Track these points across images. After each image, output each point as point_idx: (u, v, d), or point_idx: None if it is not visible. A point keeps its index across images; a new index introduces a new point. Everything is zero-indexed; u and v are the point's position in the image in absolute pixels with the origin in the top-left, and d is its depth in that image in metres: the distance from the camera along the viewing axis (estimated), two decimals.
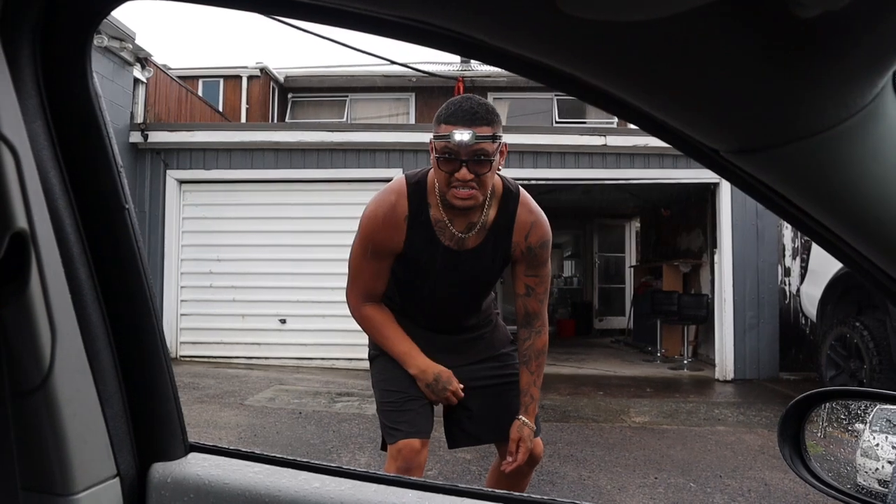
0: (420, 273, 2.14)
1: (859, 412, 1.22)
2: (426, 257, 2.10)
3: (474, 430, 2.27)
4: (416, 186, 2.07)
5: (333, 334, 8.01)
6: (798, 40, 0.42)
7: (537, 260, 2.17)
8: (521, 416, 2.18)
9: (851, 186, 0.54)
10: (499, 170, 2.05)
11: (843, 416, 1.19)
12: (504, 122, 2.14)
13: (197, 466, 0.79)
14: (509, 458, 2.17)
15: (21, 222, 0.57)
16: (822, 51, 0.43)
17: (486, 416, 2.26)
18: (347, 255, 2.21)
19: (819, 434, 1.19)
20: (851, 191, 0.54)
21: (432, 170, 2.05)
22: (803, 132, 0.49)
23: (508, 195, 2.12)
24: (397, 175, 2.15)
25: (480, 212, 2.08)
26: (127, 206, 0.72)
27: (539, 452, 2.30)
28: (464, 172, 1.91)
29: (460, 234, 2.09)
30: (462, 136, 1.86)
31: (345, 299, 2.23)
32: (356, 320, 2.24)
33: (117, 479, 0.72)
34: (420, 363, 2.14)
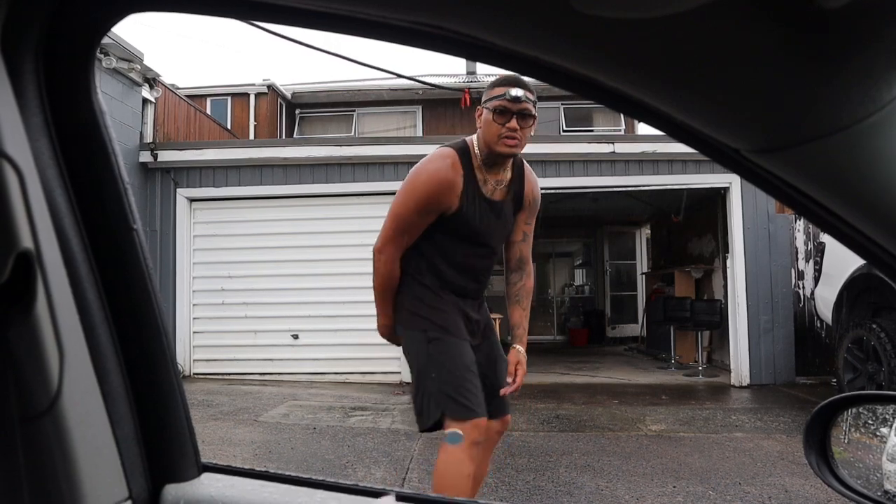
0: (466, 225, 2.50)
1: (886, 416, 1.19)
2: (473, 209, 2.50)
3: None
4: (462, 151, 2.50)
5: (346, 349, 7.99)
6: (823, 32, 0.41)
7: (535, 209, 2.71)
8: (516, 346, 2.61)
9: (878, 183, 0.52)
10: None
11: (869, 421, 1.16)
12: None
13: (210, 487, 0.78)
14: (509, 380, 2.55)
15: (26, 242, 0.56)
16: (848, 43, 0.42)
17: (488, 392, 2.50)
18: (366, 254, 2.50)
19: (844, 439, 1.17)
20: (878, 188, 0.52)
21: (473, 136, 2.54)
22: (827, 129, 0.47)
23: (516, 160, 2.62)
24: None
25: (505, 171, 2.56)
26: (135, 227, 0.71)
27: (508, 421, 2.65)
28: (514, 123, 2.39)
29: (495, 187, 2.55)
30: (517, 91, 2.37)
31: (370, 285, 2.55)
32: (381, 265, 2.53)
33: (129, 503, 0.70)
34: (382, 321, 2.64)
